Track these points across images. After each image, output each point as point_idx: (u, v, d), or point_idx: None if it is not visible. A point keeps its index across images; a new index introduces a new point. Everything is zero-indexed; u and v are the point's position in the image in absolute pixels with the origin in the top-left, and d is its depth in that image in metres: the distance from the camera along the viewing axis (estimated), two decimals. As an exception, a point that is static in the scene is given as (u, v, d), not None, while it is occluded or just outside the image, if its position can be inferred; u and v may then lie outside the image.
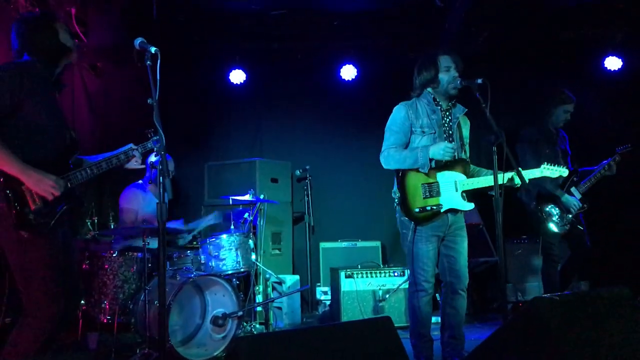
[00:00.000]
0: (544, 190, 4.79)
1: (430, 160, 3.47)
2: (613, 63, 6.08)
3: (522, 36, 5.95)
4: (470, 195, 3.58)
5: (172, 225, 4.85)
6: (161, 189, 2.38)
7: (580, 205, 4.78)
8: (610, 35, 6.00)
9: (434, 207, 3.47)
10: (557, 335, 2.19)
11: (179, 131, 6.00)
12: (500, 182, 3.24)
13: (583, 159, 5.09)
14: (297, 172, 6.01)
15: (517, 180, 3.43)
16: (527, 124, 5.04)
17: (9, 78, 2.65)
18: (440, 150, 3.41)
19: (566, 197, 4.76)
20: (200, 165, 6.18)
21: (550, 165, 3.63)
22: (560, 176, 3.65)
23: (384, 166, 3.61)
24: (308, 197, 5.97)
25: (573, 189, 4.81)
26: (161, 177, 2.42)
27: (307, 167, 5.98)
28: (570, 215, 4.75)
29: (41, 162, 2.66)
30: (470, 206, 3.55)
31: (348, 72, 6.21)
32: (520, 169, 3.44)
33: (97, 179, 5.72)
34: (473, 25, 5.40)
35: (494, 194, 3.32)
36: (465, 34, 5.55)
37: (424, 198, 3.48)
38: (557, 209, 4.79)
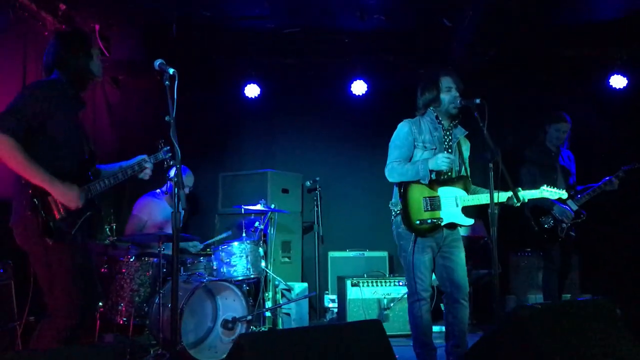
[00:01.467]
0: (538, 202, 4.90)
1: (431, 172, 3.63)
2: (618, 81, 6.18)
3: (528, 54, 6.10)
4: (476, 208, 3.72)
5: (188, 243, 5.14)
6: (175, 200, 2.59)
7: (573, 215, 4.87)
8: (615, 53, 6.12)
9: (434, 220, 3.63)
10: (538, 343, 2.29)
11: (195, 143, 6.23)
12: (495, 197, 3.41)
13: (587, 176, 5.20)
14: (308, 183, 6.21)
15: (516, 200, 3.58)
16: (529, 143, 5.21)
17: (42, 95, 2.84)
18: (438, 160, 3.56)
19: (558, 207, 4.85)
20: (214, 176, 6.42)
21: (550, 187, 3.78)
22: (560, 198, 3.82)
23: (389, 179, 3.76)
24: (318, 207, 6.15)
25: (569, 202, 4.89)
26: (176, 189, 2.62)
27: (317, 178, 6.18)
28: (564, 225, 4.85)
29: (64, 174, 2.85)
30: (469, 222, 3.70)
31: (358, 88, 6.37)
32: (519, 188, 3.63)
33: (115, 188, 6.01)
34: (479, 44, 5.57)
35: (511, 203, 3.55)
36: (472, 52, 5.72)
37: (425, 211, 3.64)
38: (551, 219, 4.89)
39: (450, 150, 3.78)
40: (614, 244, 6.10)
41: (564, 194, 3.81)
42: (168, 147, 3.46)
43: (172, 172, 5.02)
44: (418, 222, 3.63)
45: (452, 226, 3.71)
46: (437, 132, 3.77)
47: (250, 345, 1.89)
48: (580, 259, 5.99)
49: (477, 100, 3.47)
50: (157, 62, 2.91)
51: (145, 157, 3.33)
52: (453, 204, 3.67)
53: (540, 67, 6.32)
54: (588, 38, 5.95)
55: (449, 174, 3.74)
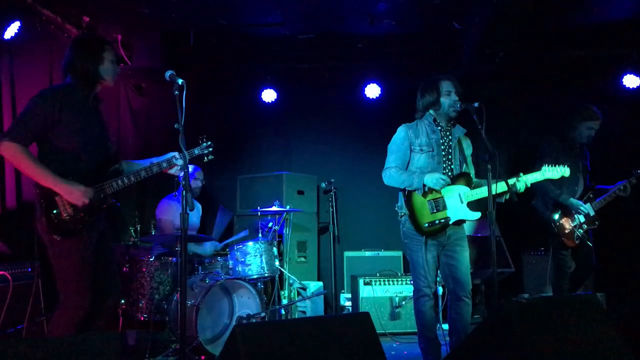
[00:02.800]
0: (555, 200, 4.89)
1: (424, 186, 3.76)
2: (631, 81, 6.18)
3: (538, 55, 6.15)
4: (482, 202, 3.75)
5: (208, 245, 5.35)
6: (184, 202, 2.78)
7: (587, 210, 4.87)
8: (628, 53, 6.12)
9: (442, 220, 3.75)
10: (523, 337, 2.36)
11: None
12: (498, 187, 3.52)
13: (601, 176, 5.20)
14: (323, 185, 6.34)
15: (520, 186, 3.69)
16: (548, 140, 5.09)
17: (43, 104, 3.03)
18: (433, 179, 3.71)
19: (571, 201, 4.84)
20: (233, 178, 6.64)
21: (551, 166, 3.83)
22: (563, 176, 3.84)
23: (385, 182, 3.91)
24: (333, 208, 6.29)
25: (587, 205, 4.90)
26: (184, 191, 2.81)
27: (333, 180, 6.32)
28: (581, 230, 4.86)
29: (75, 174, 3.05)
30: (476, 215, 3.80)
31: (372, 91, 6.51)
32: (521, 173, 3.73)
33: (139, 191, 6.23)
34: (489, 45, 5.64)
35: (502, 200, 3.66)
36: (482, 55, 5.80)
37: (431, 213, 3.77)
38: (570, 221, 4.89)
39: (450, 150, 3.88)
40: (628, 241, 6.10)
41: (566, 170, 3.82)
42: (209, 143, 3.71)
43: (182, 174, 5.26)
44: (427, 224, 3.75)
45: (460, 222, 3.82)
46: (435, 135, 3.88)
47: (244, 335, 2.05)
48: (594, 257, 6.02)
49: (476, 104, 3.58)
50: (168, 73, 3.09)
51: (175, 154, 3.43)
52: (458, 201, 3.78)
53: (552, 68, 6.36)
54: (599, 38, 5.97)
55: (449, 174, 3.85)
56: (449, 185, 3.79)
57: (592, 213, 4.91)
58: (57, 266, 3.05)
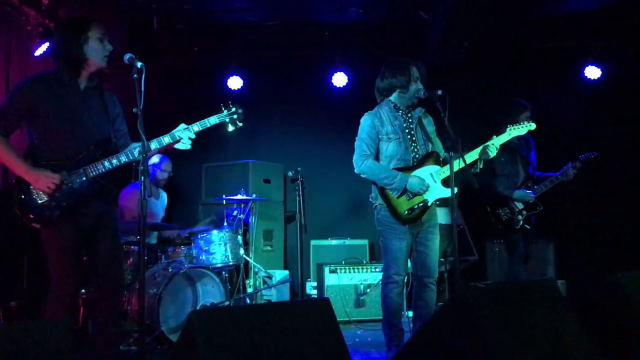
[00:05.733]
0: (495, 193, 4.97)
1: (405, 189, 3.71)
2: (593, 72, 6.31)
3: (502, 46, 6.23)
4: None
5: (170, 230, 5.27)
6: (142, 188, 2.72)
7: (534, 198, 4.92)
8: (590, 45, 6.24)
9: (421, 204, 3.75)
10: (482, 322, 2.36)
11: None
12: (469, 157, 3.66)
13: (560, 166, 5.31)
14: (290, 173, 6.31)
15: (491, 151, 3.74)
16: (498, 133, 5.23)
17: (18, 93, 3.04)
18: (416, 185, 3.70)
19: (517, 193, 4.91)
20: (198, 167, 6.56)
21: (515, 125, 3.97)
22: (529, 130, 4.03)
23: (357, 170, 3.84)
24: (300, 197, 6.27)
25: (528, 192, 4.94)
26: (142, 177, 2.75)
27: (300, 168, 6.29)
28: (520, 217, 4.91)
29: (55, 160, 3.02)
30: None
31: (339, 80, 6.49)
32: (494, 136, 3.84)
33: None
34: (454, 35, 5.67)
35: (477, 170, 3.75)
36: (448, 44, 5.83)
37: (408, 200, 3.75)
38: (508, 210, 4.94)
39: (413, 133, 3.87)
40: (586, 231, 6.25)
41: (532, 125, 3.98)
42: (233, 110, 3.33)
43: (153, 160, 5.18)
44: (407, 212, 3.74)
45: (437, 201, 3.81)
46: (398, 121, 3.86)
47: (200, 322, 2.02)
48: (555, 246, 6.15)
49: (440, 92, 3.59)
50: (127, 56, 3.01)
51: (183, 125, 3.27)
52: (431, 182, 3.76)
53: (516, 58, 6.45)
54: (563, 30, 6.08)
55: (417, 157, 3.84)
56: (420, 167, 3.79)
57: (531, 200, 4.93)
58: (44, 252, 3.06)
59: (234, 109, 3.33)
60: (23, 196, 2.98)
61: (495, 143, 3.80)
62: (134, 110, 2.89)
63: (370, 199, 3.97)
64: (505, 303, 2.57)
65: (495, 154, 3.77)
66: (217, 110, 3.34)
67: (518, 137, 5.03)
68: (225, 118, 3.33)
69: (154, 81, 2.93)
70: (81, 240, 3.09)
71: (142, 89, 2.91)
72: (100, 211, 3.16)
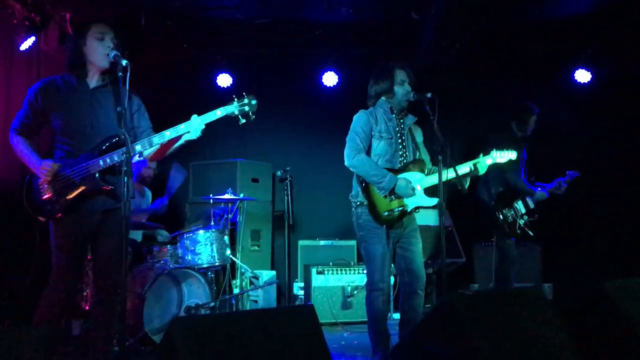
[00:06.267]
0: (509, 190, 4.95)
1: (392, 190, 3.68)
2: (583, 76, 6.31)
3: (494, 48, 6.21)
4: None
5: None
6: (124, 189, 2.67)
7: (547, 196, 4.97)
8: (580, 49, 6.25)
9: (400, 209, 3.72)
10: (470, 329, 2.34)
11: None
12: (456, 171, 3.58)
13: (550, 170, 5.28)
14: (279, 173, 6.31)
15: (481, 167, 3.71)
16: (498, 133, 5.10)
17: (28, 96, 3.17)
18: (404, 188, 3.66)
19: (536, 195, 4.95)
20: (185, 165, 6.47)
21: (500, 150, 3.86)
22: (510, 160, 3.90)
23: (348, 163, 3.77)
24: (288, 197, 6.26)
25: (529, 199, 4.97)
26: (125, 177, 2.70)
27: (288, 168, 6.27)
28: (522, 221, 4.91)
29: (66, 157, 3.09)
30: (433, 201, 3.75)
31: (329, 79, 6.46)
32: (481, 154, 3.78)
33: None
34: (445, 37, 5.65)
35: (461, 188, 3.69)
36: (439, 45, 5.81)
37: (390, 202, 3.72)
38: (512, 212, 4.94)
39: (403, 138, 3.86)
40: (573, 234, 6.27)
41: (513, 154, 3.88)
42: (245, 101, 3.24)
43: (135, 158, 5.09)
44: (386, 213, 3.71)
45: (417, 209, 3.79)
46: (392, 122, 3.85)
47: (180, 329, 1.97)
48: (542, 249, 6.16)
49: (429, 95, 3.57)
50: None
51: (195, 116, 3.24)
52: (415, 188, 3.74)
53: (507, 61, 6.44)
54: (554, 33, 6.07)
55: (404, 161, 3.83)
56: (405, 171, 3.77)
57: (531, 206, 4.96)
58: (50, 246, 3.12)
59: (247, 100, 3.19)
60: (31, 190, 3.10)
61: (484, 162, 3.75)
62: (118, 109, 2.86)
63: (350, 197, 3.93)
64: (492, 310, 2.55)
65: (484, 172, 3.75)
66: (209, 108, 3.25)
67: (523, 139, 5.10)
68: (234, 110, 3.22)
69: (141, 79, 2.88)
70: (83, 238, 3.12)
71: (127, 87, 2.87)
72: (105, 207, 3.14)
